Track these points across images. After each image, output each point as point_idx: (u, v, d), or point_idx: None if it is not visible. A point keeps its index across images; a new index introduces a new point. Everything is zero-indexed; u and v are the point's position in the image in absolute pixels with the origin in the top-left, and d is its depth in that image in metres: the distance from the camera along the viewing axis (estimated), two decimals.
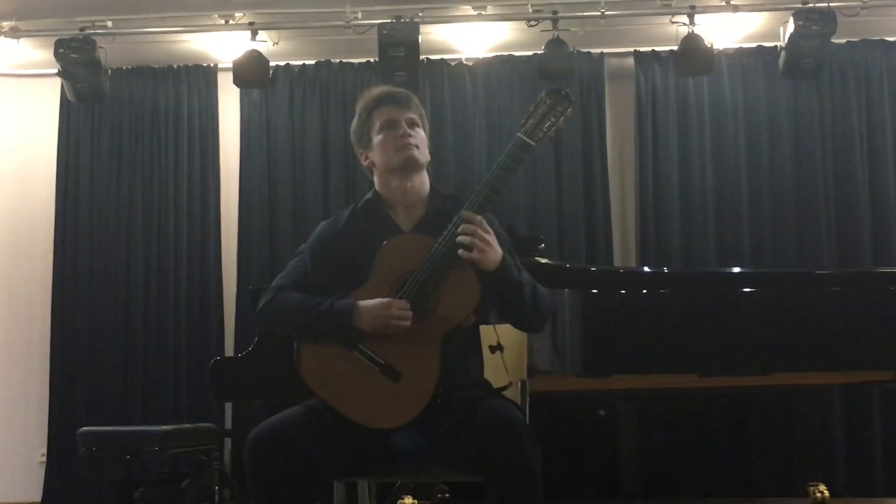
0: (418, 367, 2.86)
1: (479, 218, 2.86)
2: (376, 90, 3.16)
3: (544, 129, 2.94)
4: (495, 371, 3.13)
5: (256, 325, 5.19)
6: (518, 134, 2.94)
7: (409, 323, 2.85)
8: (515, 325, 3.08)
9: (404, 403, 2.85)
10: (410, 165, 3.06)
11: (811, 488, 6.82)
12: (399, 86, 7.46)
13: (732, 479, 7.62)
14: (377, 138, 3.06)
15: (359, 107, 3.16)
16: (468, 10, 7.72)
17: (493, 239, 2.88)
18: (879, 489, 7.55)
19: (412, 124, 3.05)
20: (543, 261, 5.71)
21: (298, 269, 3.11)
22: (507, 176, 2.91)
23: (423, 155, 3.08)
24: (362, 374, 2.88)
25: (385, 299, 2.88)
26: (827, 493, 6.78)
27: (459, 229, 2.85)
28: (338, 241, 3.10)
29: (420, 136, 3.07)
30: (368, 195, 3.15)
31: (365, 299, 2.91)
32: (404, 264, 2.91)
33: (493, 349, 3.08)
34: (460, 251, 2.85)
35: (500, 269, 2.89)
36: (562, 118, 2.95)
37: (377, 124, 3.06)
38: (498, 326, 3.10)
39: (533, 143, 2.93)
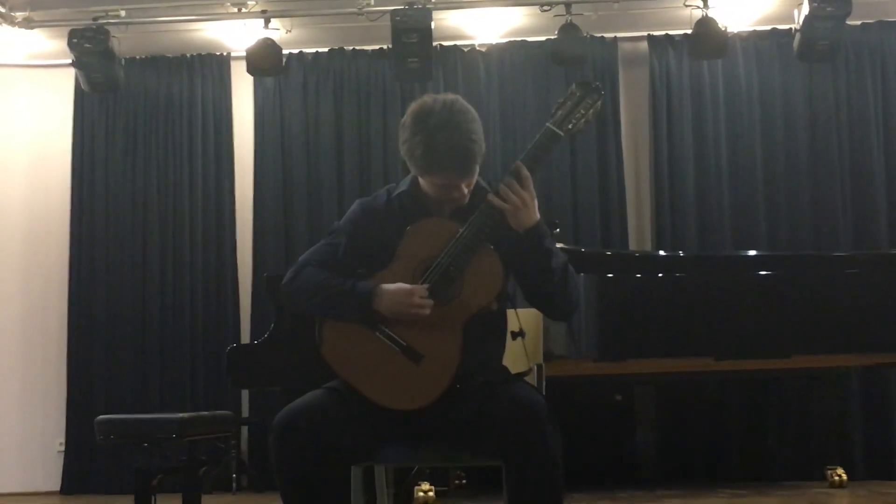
0: (439, 349, 2.86)
1: (526, 173, 2.86)
2: (441, 140, 2.84)
3: (573, 121, 2.93)
4: (516, 357, 3.12)
5: (278, 300, 5.18)
6: (547, 124, 2.93)
7: (428, 311, 2.85)
8: (544, 307, 3.06)
9: (425, 385, 2.85)
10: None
11: (829, 472, 6.83)
12: (412, 73, 7.59)
13: (749, 464, 7.61)
14: (432, 186, 2.97)
15: (419, 137, 2.87)
16: None
17: (533, 201, 2.87)
18: None
19: (470, 179, 2.95)
20: (559, 245, 5.70)
21: (327, 248, 3.08)
22: (534, 165, 2.90)
23: (470, 194, 3.02)
24: (383, 354, 2.89)
25: (407, 285, 2.87)
26: (845, 477, 6.79)
27: (503, 180, 2.85)
28: (373, 224, 3.06)
29: (474, 181, 2.98)
30: (405, 186, 3.09)
31: (388, 282, 2.90)
32: (429, 248, 2.91)
33: (514, 335, 3.07)
34: (490, 196, 2.85)
35: (530, 232, 2.88)
36: (591, 110, 2.95)
37: (436, 181, 2.93)
38: (520, 311, 3.09)
39: (562, 133, 2.92)
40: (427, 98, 2.95)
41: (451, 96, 2.96)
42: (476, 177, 2.98)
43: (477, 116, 2.94)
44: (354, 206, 3.16)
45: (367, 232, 3.06)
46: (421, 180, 3.01)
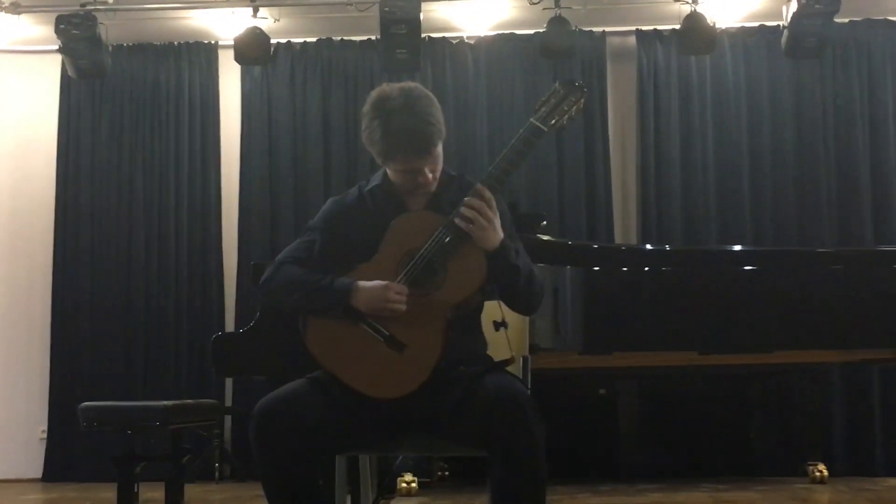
0: (423, 339, 2.88)
1: (489, 195, 2.88)
2: (397, 122, 2.89)
3: (556, 117, 2.98)
4: (499, 347, 3.14)
5: (259, 298, 5.20)
6: (531, 119, 2.97)
7: (404, 307, 2.87)
8: (508, 306, 3.11)
9: (408, 374, 2.87)
10: (424, 195, 3.06)
11: (810, 468, 6.86)
12: (400, 65, 7.58)
13: (732, 459, 7.63)
14: (396, 173, 3.02)
15: (377, 122, 2.93)
16: None
17: (496, 221, 2.90)
18: (879, 469, 7.57)
19: (432, 162, 2.99)
20: (545, 238, 5.71)
21: (303, 246, 3.12)
22: (518, 159, 2.95)
23: (437, 179, 3.04)
24: (367, 344, 2.91)
25: (383, 282, 2.90)
26: (826, 473, 6.83)
27: (466, 200, 2.87)
28: (346, 219, 3.11)
29: (439, 167, 3.02)
30: (377, 180, 3.14)
31: (372, 274, 2.93)
32: (413, 241, 2.94)
33: (497, 325, 3.09)
34: (458, 220, 2.87)
35: (497, 252, 2.91)
36: (574, 108, 3.00)
37: (398, 166, 2.99)
38: (503, 303, 3.11)
39: (545, 128, 2.96)
40: (385, 85, 3.01)
41: (410, 83, 3.02)
42: (440, 161, 3.01)
43: (436, 101, 2.98)
44: (327, 203, 3.21)
45: (341, 228, 3.10)
46: (388, 171, 3.03)
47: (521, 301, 3.07)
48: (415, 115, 2.90)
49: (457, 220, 2.87)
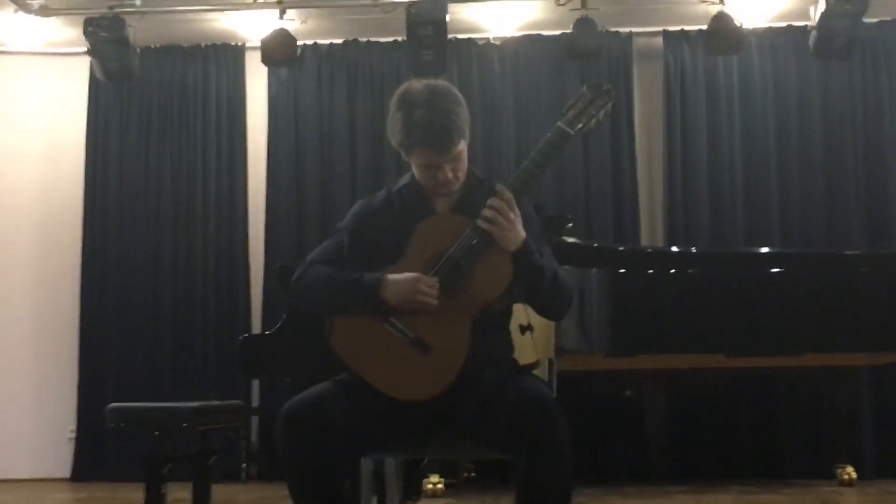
0: (448, 341, 2.88)
1: (509, 195, 2.89)
2: (419, 115, 2.92)
3: (584, 120, 2.99)
4: (524, 350, 3.14)
5: (288, 299, 5.22)
6: (558, 123, 2.98)
7: (435, 301, 2.87)
8: (535, 310, 3.11)
9: (433, 376, 2.87)
10: (447, 194, 3.07)
11: (839, 470, 6.81)
12: (427, 66, 7.59)
13: (759, 461, 7.60)
14: (417, 168, 3.05)
15: (399, 114, 2.97)
16: None
17: (517, 221, 2.90)
18: None
19: (454, 161, 2.99)
20: (571, 240, 5.71)
21: (332, 246, 3.13)
22: (545, 162, 2.95)
23: (461, 180, 3.05)
24: (392, 346, 2.91)
25: (414, 274, 2.90)
26: (854, 475, 6.78)
27: (489, 202, 2.88)
28: (374, 221, 3.12)
29: (461, 167, 3.03)
30: (405, 181, 3.15)
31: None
32: (439, 243, 2.94)
33: (523, 329, 3.10)
34: (479, 221, 2.87)
35: (519, 252, 2.91)
36: (602, 111, 3.01)
37: (418, 160, 3.01)
38: (528, 306, 3.11)
39: (572, 132, 2.97)
40: (413, 81, 3.04)
41: (438, 80, 3.04)
42: (462, 161, 3.01)
43: (461, 100, 2.99)
44: (356, 205, 3.24)
45: (369, 229, 3.11)
46: (413, 169, 3.06)
47: (547, 304, 3.06)
48: (436, 110, 2.91)
49: (479, 222, 2.88)
